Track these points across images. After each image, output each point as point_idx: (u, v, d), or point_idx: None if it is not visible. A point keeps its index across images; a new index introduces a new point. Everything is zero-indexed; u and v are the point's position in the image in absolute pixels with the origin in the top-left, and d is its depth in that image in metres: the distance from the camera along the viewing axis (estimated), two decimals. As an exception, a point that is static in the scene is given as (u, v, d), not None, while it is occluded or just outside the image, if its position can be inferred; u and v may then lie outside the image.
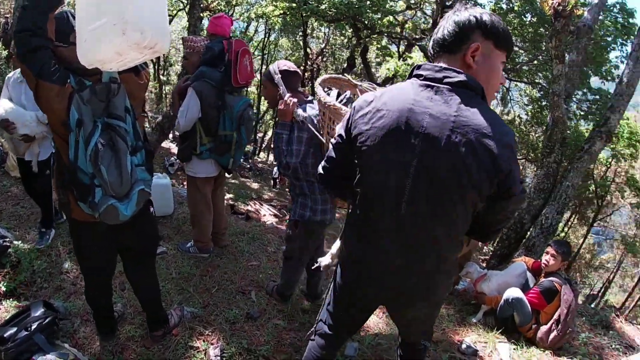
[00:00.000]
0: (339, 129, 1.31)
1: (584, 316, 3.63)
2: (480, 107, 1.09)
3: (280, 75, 2.17)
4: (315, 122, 2.07)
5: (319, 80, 2.13)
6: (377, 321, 2.80)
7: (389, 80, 11.91)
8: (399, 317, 1.59)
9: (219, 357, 2.15)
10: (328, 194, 2.25)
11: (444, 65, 1.13)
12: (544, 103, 10.07)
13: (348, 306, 1.52)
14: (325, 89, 2.18)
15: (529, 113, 11.71)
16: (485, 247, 14.83)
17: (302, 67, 14.73)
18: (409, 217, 1.18)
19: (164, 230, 3.48)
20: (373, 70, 12.77)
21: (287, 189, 14.09)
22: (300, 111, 2.08)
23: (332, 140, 1.37)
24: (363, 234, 1.31)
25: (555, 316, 2.77)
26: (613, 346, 3.11)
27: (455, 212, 1.16)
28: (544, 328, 2.79)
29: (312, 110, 2.13)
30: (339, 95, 2.14)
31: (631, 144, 10.20)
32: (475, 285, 3.29)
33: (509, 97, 12.98)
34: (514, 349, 2.74)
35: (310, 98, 2.28)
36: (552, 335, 2.75)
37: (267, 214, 9.87)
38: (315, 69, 14.98)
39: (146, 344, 2.17)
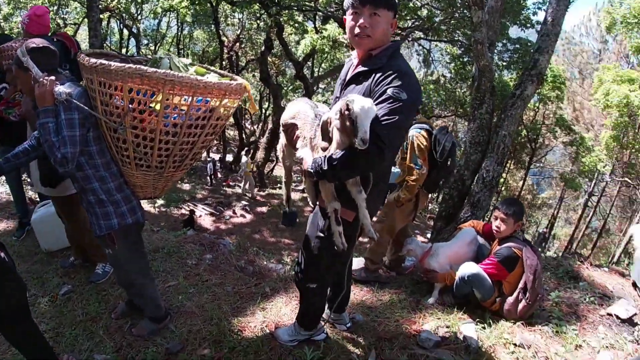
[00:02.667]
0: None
1: (548, 270, 3.44)
2: None
3: (29, 56, 1.79)
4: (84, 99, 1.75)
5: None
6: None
7: (309, 56, 11.53)
8: None
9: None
10: (132, 189, 1.96)
11: None
12: (465, 59, 10.13)
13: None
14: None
15: (452, 70, 11.86)
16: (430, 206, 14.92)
17: (219, 57, 14.10)
18: None
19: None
20: (293, 49, 12.32)
21: (223, 183, 13.16)
22: (62, 88, 1.72)
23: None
24: None
25: (521, 284, 2.48)
26: (587, 299, 2.89)
27: None
28: (510, 299, 2.50)
29: (77, 87, 1.79)
30: None
31: (556, 86, 10.54)
32: (422, 263, 2.91)
33: (430, 58, 13.06)
34: (482, 327, 2.44)
35: (72, 77, 1.93)
36: (520, 305, 2.48)
37: (202, 214, 9.13)
38: (233, 56, 14.34)
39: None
